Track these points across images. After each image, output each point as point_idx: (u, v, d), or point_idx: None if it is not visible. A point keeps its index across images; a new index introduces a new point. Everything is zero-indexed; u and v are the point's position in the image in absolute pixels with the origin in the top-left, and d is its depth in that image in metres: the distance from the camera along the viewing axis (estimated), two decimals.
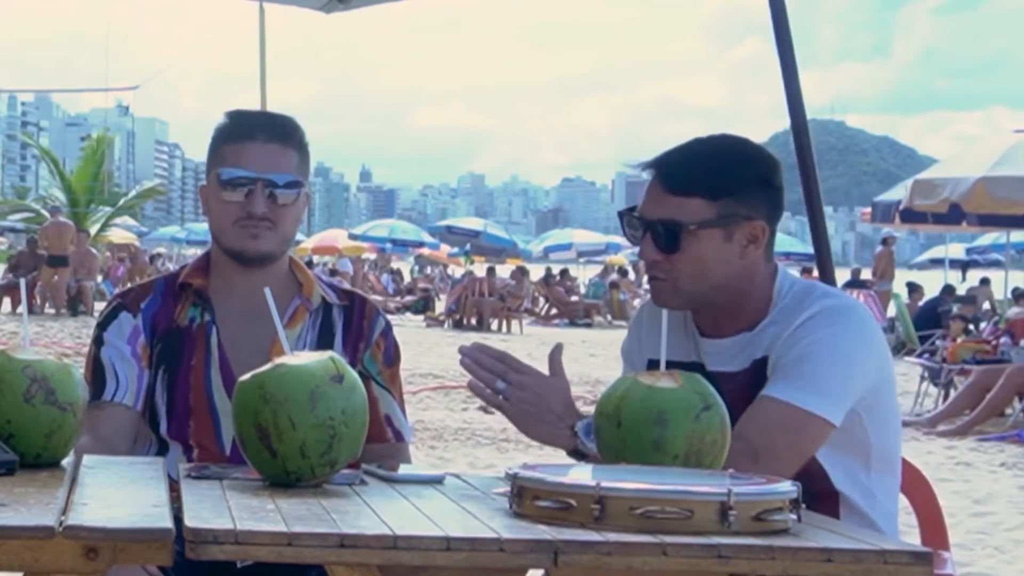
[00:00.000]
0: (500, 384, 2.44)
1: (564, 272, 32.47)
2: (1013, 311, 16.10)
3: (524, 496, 1.89)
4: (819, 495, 2.42)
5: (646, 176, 2.56)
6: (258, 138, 2.75)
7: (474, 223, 37.06)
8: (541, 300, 29.29)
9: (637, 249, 2.63)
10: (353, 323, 2.86)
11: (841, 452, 2.49)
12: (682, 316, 2.62)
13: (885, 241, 24.18)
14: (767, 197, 2.51)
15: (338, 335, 2.84)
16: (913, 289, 22.14)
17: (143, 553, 1.72)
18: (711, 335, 2.58)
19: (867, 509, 2.52)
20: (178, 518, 1.80)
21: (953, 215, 12.63)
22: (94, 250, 26.06)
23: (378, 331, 2.88)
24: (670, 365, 2.52)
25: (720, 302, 2.53)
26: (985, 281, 26.22)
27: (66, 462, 2.15)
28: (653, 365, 2.61)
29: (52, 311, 22.82)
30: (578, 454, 2.41)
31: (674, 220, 2.47)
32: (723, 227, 2.47)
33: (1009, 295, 20.54)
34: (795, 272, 2.68)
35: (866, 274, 27.16)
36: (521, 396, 2.44)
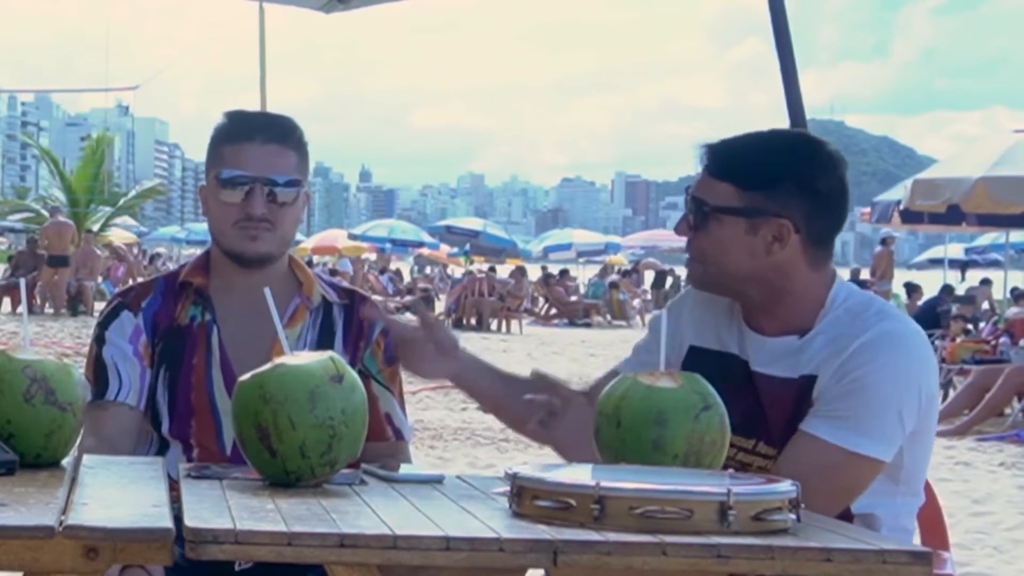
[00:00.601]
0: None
1: (564, 272, 32.48)
2: (1012, 311, 16.10)
3: (524, 496, 1.89)
4: (849, 515, 2.41)
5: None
6: (257, 139, 2.75)
7: (474, 223, 37.06)
8: (541, 300, 29.30)
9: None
10: (353, 322, 2.87)
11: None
12: (728, 305, 2.59)
13: (884, 241, 24.16)
14: (805, 200, 2.45)
15: (338, 334, 2.84)
16: (912, 289, 22.15)
17: (143, 553, 1.72)
18: (756, 330, 2.54)
19: (882, 526, 2.49)
20: (178, 518, 1.80)
21: (952, 215, 12.64)
22: (98, 251, 26.07)
23: (378, 330, 2.88)
24: (715, 354, 2.54)
25: (753, 296, 2.50)
26: (986, 282, 26.21)
27: (66, 462, 2.16)
28: (695, 352, 2.60)
29: (52, 311, 22.82)
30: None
31: (703, 200, 2.49)
32: (747, 218, 2.45)
33: (1008, 295, 20.55)
34: None
35: (865, 274, 27.17)
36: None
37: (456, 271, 35.85)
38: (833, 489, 2.36)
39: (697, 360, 2.56)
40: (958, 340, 13.48)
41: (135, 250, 35.10)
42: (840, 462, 2.37)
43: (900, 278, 25.85)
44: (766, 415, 2.45)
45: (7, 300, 22.83)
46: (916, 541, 2.59)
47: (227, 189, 2.74)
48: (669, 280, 35.44)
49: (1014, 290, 19.79)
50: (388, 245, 38.62)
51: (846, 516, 2.42)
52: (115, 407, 2.74)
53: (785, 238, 2.46)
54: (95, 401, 2.64)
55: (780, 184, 2.45)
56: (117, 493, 2.01)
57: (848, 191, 2.53)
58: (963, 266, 30.66)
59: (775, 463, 2.42)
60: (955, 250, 31.41)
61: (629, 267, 37.90)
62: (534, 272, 31.73)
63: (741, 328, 2.56)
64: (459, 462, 8.61)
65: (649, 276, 36.39)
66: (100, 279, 26.87)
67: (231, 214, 2.74)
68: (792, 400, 2.45)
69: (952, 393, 11.98)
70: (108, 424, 2.70)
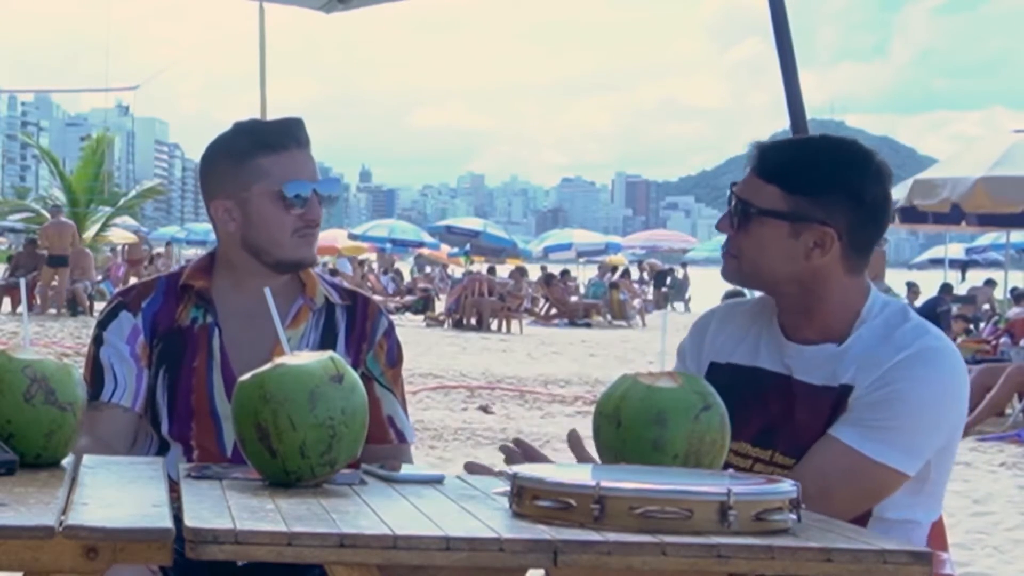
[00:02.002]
0: None
1: (565, 272, 32.48)
2: (1013, 311, 16.11)
3: (524, 496, 1.89)
4: (863, 519, 2.41)
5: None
6: (291, 146, 2.76)
7: (474, 223, 37.06)
8: (541, 300, 29.29)
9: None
10: (356, 323, 2.86)
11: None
12: (767, 320, 2.59)
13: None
14: (850, 209, 2.46)
15: (341, 335, 2.84)
16: (908, 288, 22.28)
17: (143, 553, 1.72)
18: (794, 338, 2.54)
19: (900, 532, 2.49)
20: (178, 518, 1.80)
21: (953, 215, 12.65)
22: (88, 250, 26.03)
23: (381, 331, 2.88)
24: (733, 368, 2.55)
25: (790, 298, 2.51)
26: (990, 282, 26.23)
27: (66, 462, 2.16)
28: (714, 368, 2.61)
29: (52, 311, 22.81)
30: None
31: (747, 201, 2.49)
32: (790, 222, 2.46)
33: (1008, 295, 20.55)
34: None
35: None
36: None
37: (456, 271, 35.84)
38: (854, 495, 2.37)
39: (715, 375, 2.57)
40: (959, 340, 13.48)
41: (144, 249, 35.00)
42: (865, 470, 2.38)
43: (901, 278, 25.84)
44: (790, 424, 2.45)
45: (7, 300, 22.82)
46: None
47: (290, 200, 2.74)
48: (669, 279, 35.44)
49: (1014, 290, 19.79)
50: (388, 245, 38.64)
51: (863, 518, 2.43)
52: (110, 408, 2.74)
53: (827, 245, 2.46)
54: (90, 402, 2.64)
55: (828, 191, 2.46)
56: (117, 493, 2.01)
57: (891, 201, 2.54)
58: (964, 266, 30.67)
59: (799, 462, 2.42)
60: (956, 250, 31.44)
61: (627, 268, 37.88)
62: (534, 272, 31.73)
63: (778, 338, 2.56)
64: (459, 462, 8.56)
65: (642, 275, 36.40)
66: (100, 278, 26.85)
67: (291, 223, 2.75)
68: (828, 408, 2.45)
69: None
70: (102, 425, 2.70)
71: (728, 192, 2.55)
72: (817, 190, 2.45)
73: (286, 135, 2.78)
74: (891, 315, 2.50)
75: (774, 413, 2.50)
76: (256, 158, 2.76)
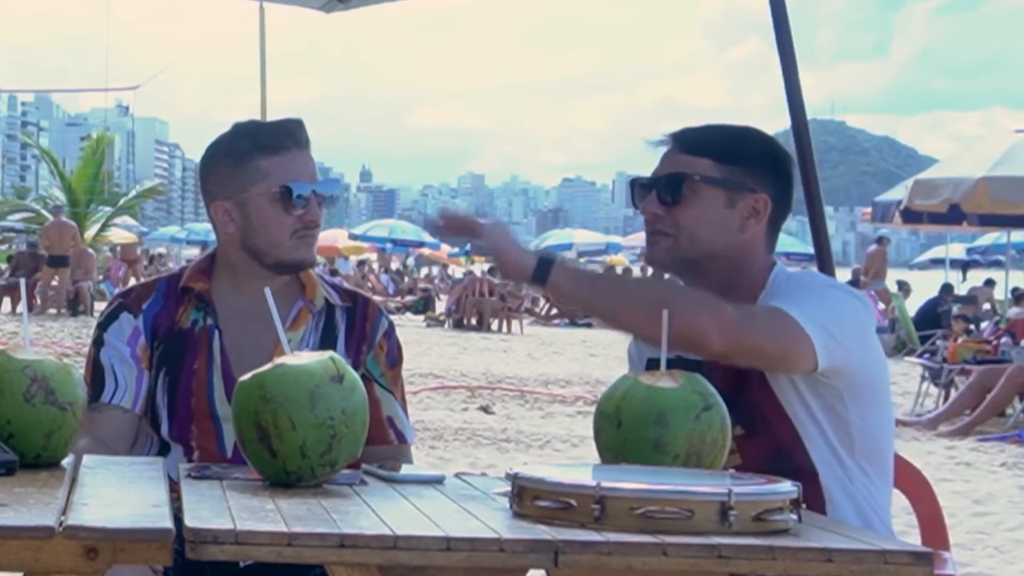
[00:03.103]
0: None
1: None
2: (1014, 311, 16.11)
3: (524, 496, 1.89)
4: (799, 471, 2.41)
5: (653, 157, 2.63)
6: (291, 147, 2.76)
7: None
8: (541, 300, 29.28)
9: (637, 249, 2.67)
10: (356, 324, 2.86)
11: (823, 427, 2.49)
12: None
13: (879, 240, 24.06)
14: (774, 176, 2.57)
15: (341, 336, 2.84)
16: (900, 287, 22.35)
17: (143, 553, 1.72)
18: None
19: (853, 493, 2.50)
20: (178, 518, 1.80)
21: (953, 215, 12.64)
22: (91, 250, 26.01)
23: (381, 332, 2.88)
24: (675, 363, 2.54)
25: (714, 274, 2.54)
26: (990, 282, 26.23)
27: (66, 462, 2.16)
28: (652, 364, 2.61)
29: (52, 311, 22.81)
30: (540, 273, 2.44)
31: (680, 172, 2.55)
32: (727, 190, 2.53)
33: (1009, 295, 20.54)
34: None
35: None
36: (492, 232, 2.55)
37: (456, 271, 35.82)
38: (770, 326, 2.39)
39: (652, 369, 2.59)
40: (960, 340, 13.47)
41: (138, 251, 35.01)
42: (782, 316, 2.39)
43: (901, 278, 25.82)
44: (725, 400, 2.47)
45: (7, 300, 22.81)
46: (903, 523, 2.59)
47: (289, 201, 2.74)
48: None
49: (1015, 290, 19.79)
50: (388, 245, 38.62)
51: (812, 481, 2.43)
52: (109, 409, 2.74)
53: (761, 213, 2.55)
54: (91, 403, 2.63)
55: (754, 159, 2.56)
56: (117, 493, 2.01)
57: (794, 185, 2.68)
58: (964, 266, 30.67)
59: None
60: (957, 250, 31.44)
61: (628, 268, 37.83)
62: None
63: None
64: (460, 462, 8.60)
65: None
66: (100, 278, 26.84)
67: (291, 225, 2.75)
68: (740, 373, 2.47)
69: (954, 393, 11.98)
70: (102, 426, 2.69)
71: (642, 184, 2.60)
72: (748, 160, 2.55)
73: (285, 136, 2.77)
74: (796, 278, 2.59)
75: None
76: (255, 159, 2.75)
